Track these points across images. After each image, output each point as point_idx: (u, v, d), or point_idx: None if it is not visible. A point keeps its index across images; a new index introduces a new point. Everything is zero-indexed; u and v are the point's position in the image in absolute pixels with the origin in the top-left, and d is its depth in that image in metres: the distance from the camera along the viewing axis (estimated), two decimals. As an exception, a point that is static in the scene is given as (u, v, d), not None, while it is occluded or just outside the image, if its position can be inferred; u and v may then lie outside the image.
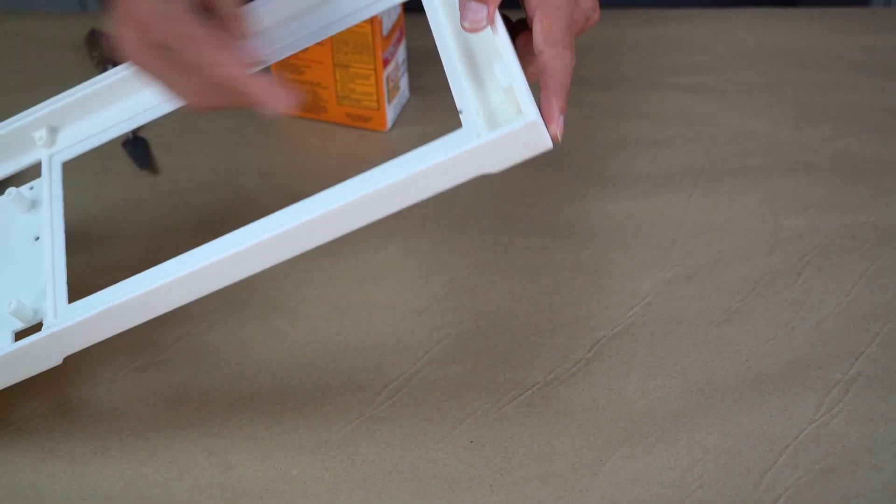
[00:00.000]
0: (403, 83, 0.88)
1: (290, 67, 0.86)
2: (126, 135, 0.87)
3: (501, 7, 0.59)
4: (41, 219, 0.68)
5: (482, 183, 0.82)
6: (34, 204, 0.70)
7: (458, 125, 0.89)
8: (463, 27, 0.58)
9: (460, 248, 0.77)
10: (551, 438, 0.65)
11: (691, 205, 0.79)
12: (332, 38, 0.82)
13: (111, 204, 0.82)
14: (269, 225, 0.59)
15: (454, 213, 0.80)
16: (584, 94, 0.89)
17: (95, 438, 0.66)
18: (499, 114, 0.59)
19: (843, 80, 0.90)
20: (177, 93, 0.59)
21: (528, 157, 0.57)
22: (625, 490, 0.62)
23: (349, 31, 0.81)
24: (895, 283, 0.73)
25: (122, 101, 0.71)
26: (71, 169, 0.85)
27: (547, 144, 0.56)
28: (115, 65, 0.93)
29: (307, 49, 0.84)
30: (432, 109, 0.89)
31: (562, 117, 0.57)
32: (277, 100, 0.56)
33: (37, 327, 0.63)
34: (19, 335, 0.63)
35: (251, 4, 0.65)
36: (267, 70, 0.79)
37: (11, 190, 0.69)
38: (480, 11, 0.58)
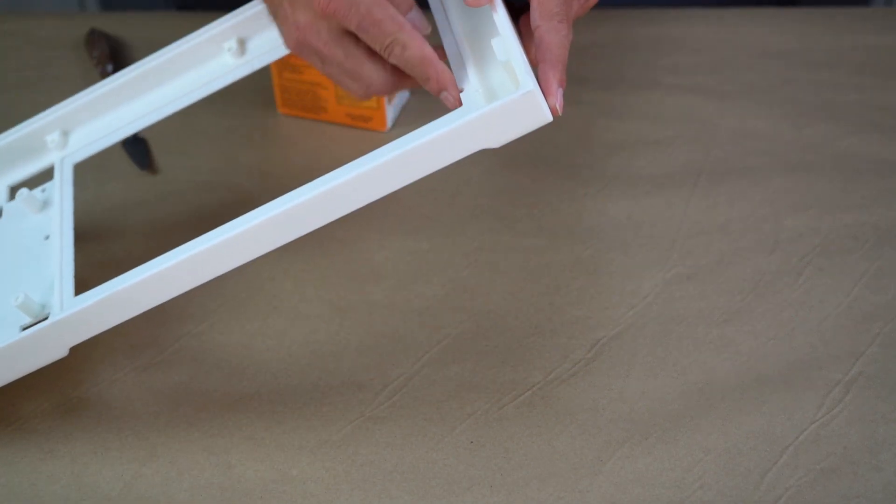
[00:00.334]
0: (403, 83, 0.88)
1: (290, 67, 0.86)
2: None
3: None
4: (51, 218, 0.69)
5: (482, 183, 0.82)
6: (45, 204, 0.71)
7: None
8: (466, 1, 0.59)
9: (460, 248, 0.77)
10: (551, 438, 0.65)
11: (691, 205, 0.79)
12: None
13: (111, 203, 0.82)
14: (271, 207, 0.60)
15: (454, 213, 0.80)
16: (584, 94, 0.89)
17: (95, 438, 0.66)
18: (498, 89, 0.59)
19: (843, 80, 0.90)
20: (363, 76, 0.63)
21: (528, 131, 0.57)
22: (625, 490, 0.62)
23: (349, 30, 0.81)
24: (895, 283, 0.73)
25: (132, 101, 0.72)
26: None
27: (546, 117, 0.56)
28: (114, 64, 0.94)
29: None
30: (432, 109, 0.88)
31: (560, 91, 0.58)
32: (450, 87, 0.60)
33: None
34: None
35: None
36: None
37: (23, 191, 0.70)
38: None
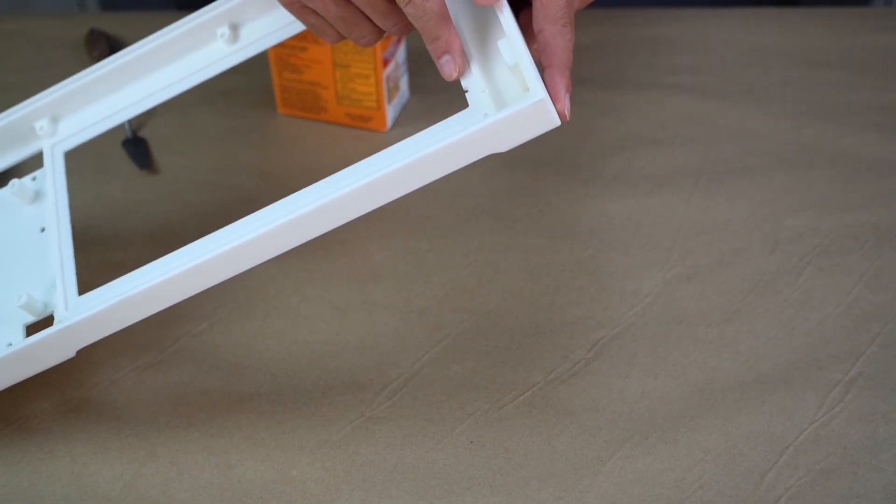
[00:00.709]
0: (403, 83, 0.88)
1: (290, 67, 0.86)
2: (126, 134, 0.87)
3: None
4: (46, 210, 0.68)
5: (482, 183, 0.82)
6: (38, 195, 0.70)
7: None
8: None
9: (460, 248, 0.77)
10: (551, 438, 0.65)
11: (691, 205, 0.79)
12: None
13: (111, 204, 0.82)
14: (280, 211, 0.59)
15: (454, 213, 0.80)
16: (584, 94, 0.89)
17: (95, 438, 0.66)
18: (505, 92, 0.59)
19: (843, 80, 0.90)
20: (353, 33, 0.62)
21: (536, 135, 0.57)
22: (625, 490, 0.62)
23: (349, 30, 0.81)
24: (895, 283, 0.73)
25: (123, 89, 0.71)
26: (71, 169, 0.85)
27: (555, 122, 0.56)
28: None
29: (307, 49, 0.84)
30: (432, 109, 0.89)
31: (567, 95, 0.58)
32: (456, 52, 0.59)
33: (47, 320, 0.63)
34: (30, 328, 0.63)
35: None
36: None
37: (14, 181, 0.69)
38: None
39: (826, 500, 0.61)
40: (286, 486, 0.63)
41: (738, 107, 0.88)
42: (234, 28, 0.68)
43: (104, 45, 0.94)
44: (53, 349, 0.61)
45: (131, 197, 0.82)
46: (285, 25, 0.67)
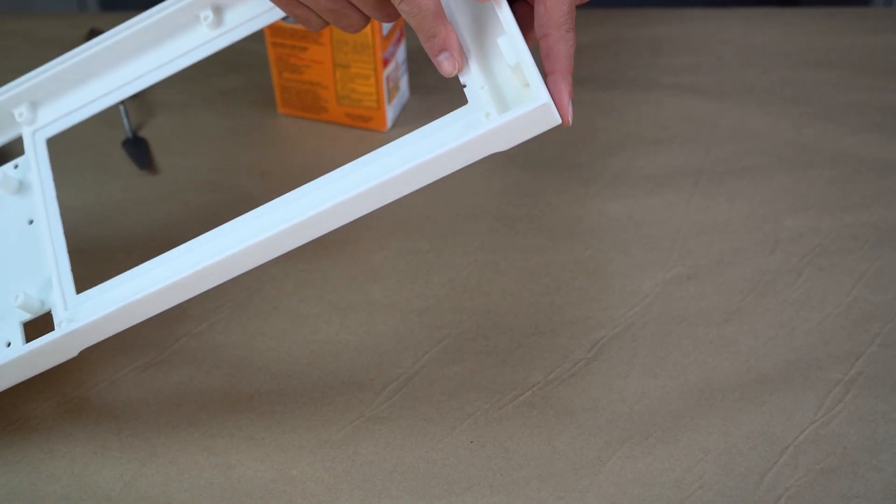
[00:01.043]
0: (403, 83, 0.88)
1: (290, 67, 0.86)
2: (126, 135, 0.87)
3: None
4: (33, 201, 0.67)
5: (482, 183, 0.82)
6: (22, 185, 0.68)
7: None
8: None
9: (460, 248, 0.77)
10: (551, 438, 0.65)
11: (691, 205, 0.79)
12: (332, 38, 0.82)
13: (111, 204, 0.82)
14: (283, 213, 0.59)
15: (454, 213, 0.80)
16: (584, 94, 0.89)
17: (95, 438, 0.66)
18: (504, 88, 0.58)
19: (843, 80, 0.90)
20: (340, 22, 0.61)
21: (537, 134, 0.57)
22: (625, 490, 0.62)
23: (349, 30, 0.81)
24: (895, 283, 0.73)
25: (104, 73, 0.69)
26: (71, 169, 0.85)
27: (556, 120, 0.56)
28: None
29: (307, 49, 0.84)
30: (432, 109, 0.89)
31: (570, 101, 0.58)
32: (454, 50, 0.59)
33: (44, 317, 0.63)
34: (27, 325, 0.63)
35: None
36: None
37: None
38: None
39: (826, 500, 0.61)
40: (286, 486, 0.63)
41: (738, 107, 0.88)
42: (218, 11, 0.67)
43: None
44: (57, 351, 0.61)
45: (131, 197, 0.82)
46: (270, 9, 0.66)
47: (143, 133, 0.88)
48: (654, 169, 0.82)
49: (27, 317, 0.63)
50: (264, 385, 0.69)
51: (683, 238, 0.77)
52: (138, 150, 0.86)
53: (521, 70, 0.56)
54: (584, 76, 0.90)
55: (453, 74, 0.60)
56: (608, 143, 0.85)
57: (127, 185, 0.83)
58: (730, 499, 0.61)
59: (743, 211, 0.79)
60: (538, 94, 0.55)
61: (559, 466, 0.63)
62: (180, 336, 0.72)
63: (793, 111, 0.87)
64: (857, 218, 0.78)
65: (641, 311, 0.72)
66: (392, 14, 0.61)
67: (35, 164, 0.67)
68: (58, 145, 0.88)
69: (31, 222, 0.67)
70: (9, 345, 0.63)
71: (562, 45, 0.58)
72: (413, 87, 0.90)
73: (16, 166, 0.69)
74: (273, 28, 0.83)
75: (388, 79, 0.85)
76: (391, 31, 0.83)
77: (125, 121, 0.87)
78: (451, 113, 0.59)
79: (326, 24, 0.64)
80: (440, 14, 0.58)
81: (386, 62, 0.84)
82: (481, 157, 0.57)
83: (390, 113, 0.87)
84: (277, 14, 0.66)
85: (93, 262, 0.76)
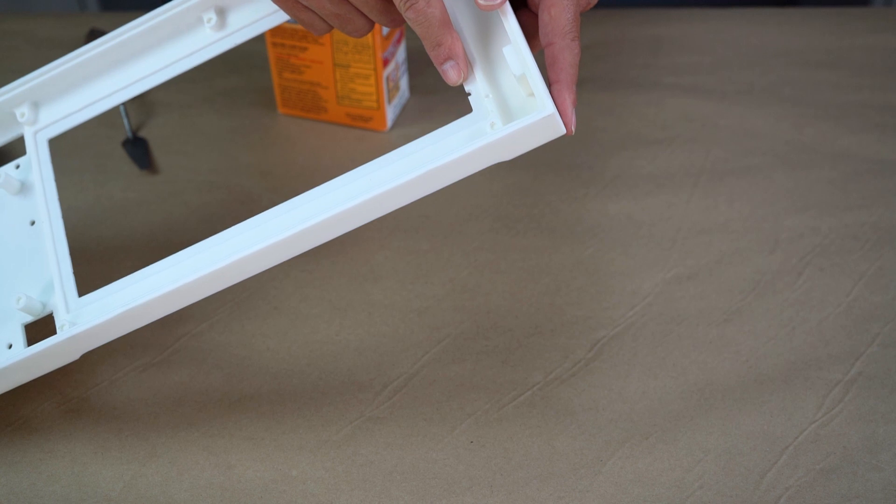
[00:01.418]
0: (403, 83, 0.88)
1: (290, 67, 0.86)
2: (126, 135, 0.87)
3: None
4: (35, 202, 0.66)
5: (482, 183, 0.82)
6: (24, 186, 0.68)
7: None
8: (478, 4, 0.58)
9: (460, 248, 0.77)
10: (551, 438, 0.65)
11: (691, 205, 0.79)
12: (332, 38, 0.82)
13: (111, 204, 0.82)
14: (287, 219, 0.59)
15: (454, 213, 0.80)
16: (584, 94, 0.89)
17: (95, 438, 0.66)
18: (509, 97, 0.58)
19: (843, 80, 0.90)
20: (346, 27, 0.61)
21: (541, 143, 0.57)
22: (625, 490, 0.62)
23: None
24: None
25: (107, 75, 0.69)
26: (71, 169, 0.85)
27: (561, 130, 0.56)
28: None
29: (307, 49, 0.84)
30: (432, 109, 0.89)
31: (573, 110, 0.58)
32: (460, 58, 0.59)
33: (46, 319, 0.63)
34: (29, 327, 0.63)
35: None
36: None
37: (0, 172, 0.67)
38: None
39: (826, 500, 0.61)
40: (286, 486, 0.63)
41: (738, 107, 0.88)
42: (221, 14, 0.67)
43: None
44: (58, 354, 0.61)
45: (131, 197, 0.82)
46: (274, 12, 0.66)
47: (143, 133, 0.88)
48: (654, 169, 0.82)
49: (29, 319, 0.63)
50: (264, 385, 0.69)
51: (683, 238, 0.77)
52: (138, 150, 0.86)
53: (526, 80, 0.56)
54: (584, 76, 0.90)
55: (459, 83, 0.60)
56: (608, 143, 0.85)
57: (127, 185, 0.83)
58: (730, 499, 0.61)
59: (743, 211, 0.79)
60: (543, 104, 0.55)
61: (559, 466, 0.63)
62: (180, 336, 0.72)
63: (793, 111, 0.87)
64: (857, 218, 0.78)
65: (641, 311, 0.72)
66: (397, 20, 0.61)
67: (37, 165, 0.67)
68: (58, 145, 0.88)
69: (32, 223, 0.67)
70: (10, 347, 0.63)
71: (567, 54, 0.58)
72: (413, 87, 0.90)
73: (17, 167, 0.69)
74: (273, 28, 0.83)
75: (388, 79, 0.85)
76: (391, 31, 0.83)
77: (125, 121, 0.87)
78: (456, 121, 0.59)
79: (331, 28, 0.64)
80: (446, 22, 0.58)
81: (386, 62, 0.84)
82: (485, 166, 0.57)
83: (390, 113, 0.87)
84: (282, 17, 0.66)
85: (93, 262, 0.76)
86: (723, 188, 0.80)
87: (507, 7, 0.58)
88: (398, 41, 0.85)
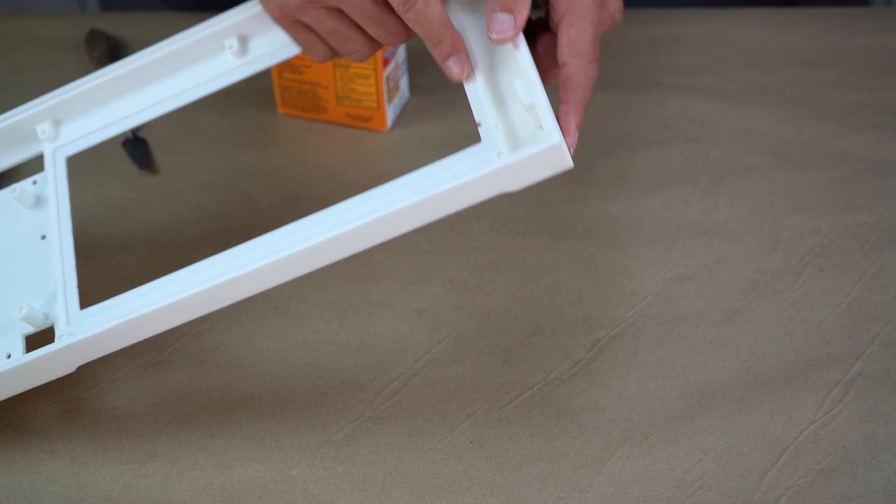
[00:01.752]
0: (403, 83, 0.88)
1: (290, 67, 0.86)
2: (126, 135, 0.87)
3: None
4: (48, 216, 0.67)
5: (482, 183, 0.82)
6: (39, 200, 0.69)
7: (458, 125, 0.89)
8: (490, 38, 0.58)
9: (460, 248, 0.77)
10: (551, 438, 0.65)
11: (691, 205, 0.79)
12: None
13: (111, 204, 0.82)
14: (288, 242, 0.59)
15: (454, 213, 0.80)
16: (584, 94, 0.89)
17: (95, 439, 0.66)
18: (519, 129, 0.59)
19: (843, 80, 0.90)
20: (346, 48, 0.61)
21: (548, 176, 0.57)
22: (625, 490, 0.62)
23: (349, 30, 0.81)
24: None
25: (128, 96, 0.70)
26: (71, 170, 0.84)
27: (568, 164, 0.56)
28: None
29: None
30: (432, 109, 0.89)
31: (577, 130, 0.58)
32: (461, 54, 0.60)
33: (47, 331, 0.63)
34: (29, 338, 0.63)
35: None
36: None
37: (16, 186, 0.68)
38: (508, 22, 0.58)
39: (826, 500, 0.61)
40: (286, 486, 0.63)
41: (738, 107, 0.88)
42: (243, 41, 0.68)
43: (104, 45, 0.94)
44: (54, 364, 0.61)
45: (131, 197, 0.82)
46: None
47: (143, 133, 0.88)
48: (654, 169, 0.82)
49: (30, 329, 0.63)
50: (264, 385, 0.69)
51: (683, 238, 0.77)
52: (138, 150, 0.86)
53: (535, 111, 0.56)
54: (584, 76, 0.90)
55: (462, 78, 0.60)
56: (608, 143, 0.85)
57: (127, 185, 0.83)
58: (730, 499, 0.61)
59: (743, 211, 0.79)
60: (551, 134, 0.55)
61: (559, 466, 0.63)
62: (180, 336, 0.72)
63: (793, 111, 0.87)
64: (857, 218, 0.78)
65: (641, 311, 0.72)
66: (397, 33, 0.61)
67: (53, 181, 0.68)
68: (58, 145, 0.88)
69: (43, 237, 0.67)
70: (9, 356, 0.63)
71: (580, 76, 0.58)
72: (413, 87, 0.90)
73: (34, 182, 0.70)
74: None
75: (388, 79, 0.85)
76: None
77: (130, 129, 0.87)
78: (464, 150, 0.59)
79: (331, 53, 0.64)
80: (446, 20, 0.59)
81: (386, 62, 0.84)
82: (491, 195, 0.57)
83: (390, 113, 0.87)
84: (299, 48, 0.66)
85: (93, 262, 0.76)
86: (723, 188, 0.80)
87: (520, 38, 0.58)
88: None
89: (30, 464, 0.65)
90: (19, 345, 0.63)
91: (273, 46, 0.68)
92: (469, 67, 0.60)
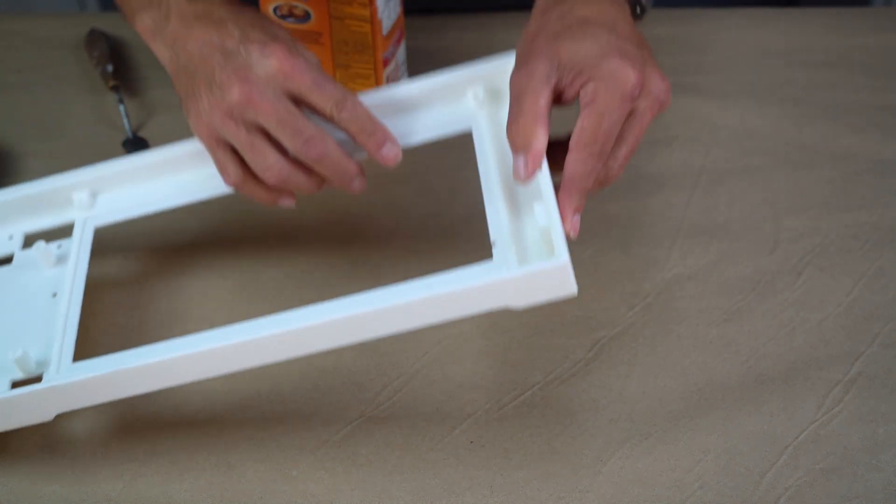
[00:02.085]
0: (403, 83, 0.88)
1: (290, 67, 0.85)
2: (126, 135, 0.87)
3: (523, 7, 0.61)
4: (64, 276, 0.69)
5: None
6: (59, 261, 0.71)
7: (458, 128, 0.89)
8: (516, 179, 0.61)
9: (460, 248, 0.77)
10: (551, 438, 0.65)
11: (691, 205, 0.79)
12: (331, 38, 0.82)
13: (111, 204, 0.82)
14: (286, 323, 0.61)
15: (454, 213, 0.80)
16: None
17: (95, 438, 0.66)
18: (531, 251, 0.61)
19: (843, 80, 0.90)
20: (264, 163, 0.65)
21: (552, 299, 0.59)
22: (625, 490, 0.62)
23: (349, 30, 0.81)
24: None
25: (163, 179, 0.72)
26: (70, 168, 0.85)
27: (572, 290, 0.58)
28: (114, 64, 0.93)
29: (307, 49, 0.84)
30: (432, 109, 0.89)
31: (577, 216, 0.60)
32: (391, 141, 0.66)
33: (36, 381, 0.63)
34: (17, 385, 0.63)
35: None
36: None
37: (41, 244, 0.70)
38: (521, 166, 0.61)
39: (826, 500, 0.61)
40: (286, 486, 0.63)
41: (738, 107, 0.88)
42: None
43: (104, 46, 0.94)
44: (32, 408, 0.62)
45: (131, 197, 0.82)
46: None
47: (143, 133, 0.88)
48: (654, 169, 0.82)
49: (19, 375, 0.64)
50: (264, 386, 0.68)
51: (683, 238, 0.77)
52: (138, 150, 0.86)
53: (548, 233, 0.59)
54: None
55: (398, 160, 0.66)
56: (608, 143, 0.85)
57: (127, 185, 0.83)
58: (730, 499, 0.61)
59: (743, 211, 0.79)
60: (560, 255, 0.57)
61: (559, 466, 0.63)
62: (181, 336, 0.72)
63: (793, 111, 0.87)
64: (857, 218, 0.78)
65: (641, 311, 0.72)
66: (311, 141, 0.64)
67: (77, 247, 0.70)
68: (58, 145, 0.88)
69: (54, 295, 0.69)
70: None
71: (577, 167, 0.60)
72: (413, 87, 0.90)
73: (59, 246, 0.72)
74: (273, 28, 0.83)
75: (388, 79, 0.85)
76: (391, 31, 0.83)
77: (125, 121, 0.87)
78: (477, 264, 0.61)
79: (244, 174, 0.67)
80: (372, 115, 0.65)
81: (386, 62, 0.84)
82: (494, 307, 0.59)
83: (390, 113, 0.87)
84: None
85: (92, 262, 0.76)
86: (723, 188, 0.80)
87: (545, 165, 0.61)
88: (398, 41, 0.85)
89: (30, 463, 0.65)
90: (6, 389, 0.63)
91: None
92: (399, 149, 0.66)
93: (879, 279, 0.73)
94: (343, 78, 0.84)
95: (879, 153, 0.83)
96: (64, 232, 0.73)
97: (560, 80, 0.61)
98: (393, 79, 0.85)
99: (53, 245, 0.71)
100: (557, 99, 0.62)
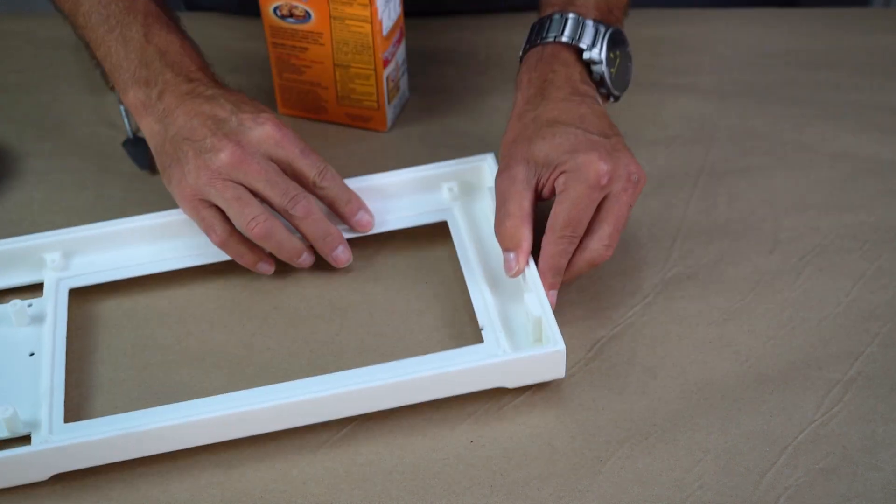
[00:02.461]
0: (403, 83, 0.88)
1: (290, 68, 0.86)
2: (126, 135, 0.87)
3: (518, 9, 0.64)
4: (41, 336, 0.70)
5: (482, 183, 0.82)
6: (33, 320, 0.71)
7: (458, 125, 0.89)
8: (507, 274, 0.69)
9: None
10: (551, 438, 0.65)
11: (691, 205, 0.79)
12: (332, 39, 0.82)
13: (111, 203, 0.82)
14: (283, 396, 0.64)
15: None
16: (584, 94, 0.88)
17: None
18: (519, 335, 0.68)
19: (843, 80, 0.90)
20: (244, 220, 0.70)
21: (543, 381, 0.65)
22: (625, 490, 0.62)
23: (349, 31, 0.81)
24: (895, 283, 0.73)
25: (137, 247, 0.75)
26: (71, 169, 0.85)
27: (561, 374, 0.65)
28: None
29: (307, 49, 0.84)
30: (432, 109, 0.89)
31: (553, 292, 0.68)
32: (364, 207, 0.74)
33: (23, 440, 0.64)
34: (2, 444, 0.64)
35: None
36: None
37: (17, 302, 0.71)
38: (511, 263, 0.68)
39: (825, 500, 0.61)
40: (286, 486, 0.63)
41: (738, 107, 0.88)
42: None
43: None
44: (28, 468, 0.62)
45: (131, 197, 0.82)
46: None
47: (142, 133, 0.88)
48: (654, 169, 0.82)
49: (5, 434, 0.64)
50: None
51: (683, 238, 0.77)
52: (138, 150, 0.86)
53: (540, 323, 0.65)
54: (584, 76, 0.90)
55: (372, 227, 0.74)
56: (608, 143, 0.85)
57: (127, 185, 0.83)
58: (730, 499, 0.61)
59: (743, 211, 0.79)
60: (556, 342, 0.64)
61: (559, 466, 0.63)
62: (181, 336, 0.72)
63: (793, 111, 0.87)
64: (857, 218, 0.78)
65: (641, 311, 0.72)
66: (293, 199, 0.70)
67: (52, 307, 0.71)
68: (58, 144, 0.88)
69: (31, 354, 0.69)
70: None
71: (549, 248, 0.68)
72: (413, 87, 0.90)
73: (30, 305, 0.72)
74: (273, 29, 0.83)
75: (388, 79, 0.85)
76: (391, 31, 0.83)
77: (125, 121, 0.87)
78: (468, 347, 0.67)
79: (230, 231, 0.71)
80: (326, 220, 0.71)
81: (386, 62, 0.84)
82: (487, 387, 0.65)
83: (390, 113, 0.87)
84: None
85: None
86: (723, 188, 0.80)
87: (531, 260, 0.68)
88: (398, 41, 0.85)
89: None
90: None
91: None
92: (372, 217, 0.74)
93: (879, 279, 0.73)
94: (343, 78, 0.84)
95: (879, 153, 0.83)
96: (32, 290, 0.74)
97: (539, 179, 0.69)
98: (393, 79, 0.86)
99: (24, 304, 0.71)
100: (539, 196, 0.69)
